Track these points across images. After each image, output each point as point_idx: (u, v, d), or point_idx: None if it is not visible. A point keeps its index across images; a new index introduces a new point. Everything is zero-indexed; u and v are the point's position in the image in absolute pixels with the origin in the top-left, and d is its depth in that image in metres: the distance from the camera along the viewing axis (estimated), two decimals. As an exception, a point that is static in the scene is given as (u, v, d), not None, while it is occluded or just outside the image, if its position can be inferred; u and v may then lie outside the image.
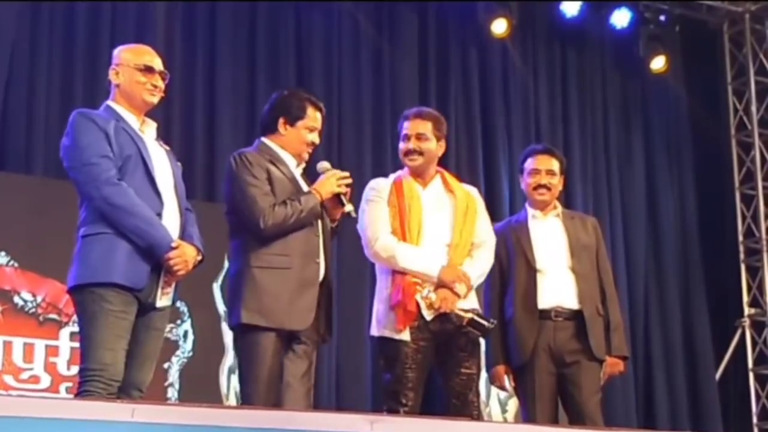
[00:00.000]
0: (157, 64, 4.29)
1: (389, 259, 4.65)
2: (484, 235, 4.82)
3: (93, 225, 4.03)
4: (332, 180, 4.47)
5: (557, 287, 5.02)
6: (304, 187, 4.53)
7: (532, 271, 5.04)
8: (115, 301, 3.95)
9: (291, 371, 4.40)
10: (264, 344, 4.32)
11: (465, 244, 4.73)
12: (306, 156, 4.60)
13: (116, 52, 4.32)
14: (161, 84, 4.28)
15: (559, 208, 5.22)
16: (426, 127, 4.82)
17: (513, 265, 5.08)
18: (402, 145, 4.84)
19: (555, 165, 5.18)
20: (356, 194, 4.84)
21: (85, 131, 4.09)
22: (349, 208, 4.51)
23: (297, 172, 4.58)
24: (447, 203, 4.79)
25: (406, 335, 4.58)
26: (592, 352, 4.97)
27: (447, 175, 4.91)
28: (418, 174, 4.82)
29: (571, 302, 5.01)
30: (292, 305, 4.36)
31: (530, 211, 5.20)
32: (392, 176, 4.89)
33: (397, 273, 4.65)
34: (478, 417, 4.74)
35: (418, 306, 4.59)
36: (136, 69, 4.22)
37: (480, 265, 4.77)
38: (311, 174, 4.64)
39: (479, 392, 4.78)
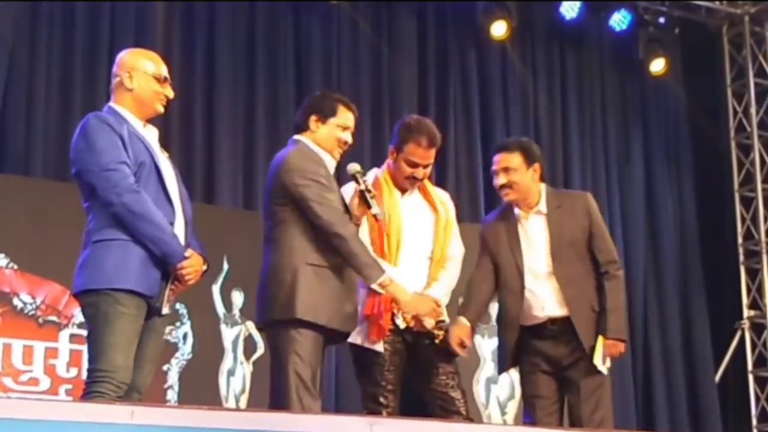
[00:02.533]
0: (167, 74, 4.28)
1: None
2: (456, 248, 4.83)
3: (106, 230, 4.00)
4: (427, 308, 4.51)
5: (544, 299, 4.82)
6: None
7: (519, 282, 4.85)
8: (129, 305, 3.95)
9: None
10: (315, 342, 4.31)
11: (443, 257, 4.74)
12: (338, 156, 4.58)
13: (128, 56, 4.27)
14: (171, 94, 4.28)
15: (543, 202, 4.90)
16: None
17: (504, 271, 4.90)
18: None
19: (511, 160, 4.85)
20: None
21: (101, 135, 4.04)
22: (375, 210, 4.48)
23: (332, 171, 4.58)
24: (427, 214, 4.77)
25: (379, 347, 4.59)
26: (587, 355, 4.78)
27: (425, 181, 4.85)
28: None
29: (559, 310, 4.81)
30: (341, 308, 4.39)
31: (516, 210, 4.95)
32: (370, 175, 4.79)
33: None
34: (466, 412, 4.68)
35: (392, 316, 4.59)
36: (154, 78, 4.20)
37: (451, 280, 4.77)
38: (341, 176, 4.63)
39: (463, 389, 4.70)
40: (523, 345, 4.87)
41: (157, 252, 4.00)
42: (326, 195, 4.38)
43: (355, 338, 4.63)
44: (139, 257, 3.98)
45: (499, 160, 4.87)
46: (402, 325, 4.60)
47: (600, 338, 4.78)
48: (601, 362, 4.80)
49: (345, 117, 4.56)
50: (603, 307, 4.81)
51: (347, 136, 4.56)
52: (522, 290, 4.83)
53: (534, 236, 4.88)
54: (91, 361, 3.97)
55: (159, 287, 4.04)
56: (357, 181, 4.52)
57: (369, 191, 4.49)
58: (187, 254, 4.06)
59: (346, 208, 4.47)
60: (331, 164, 4.54)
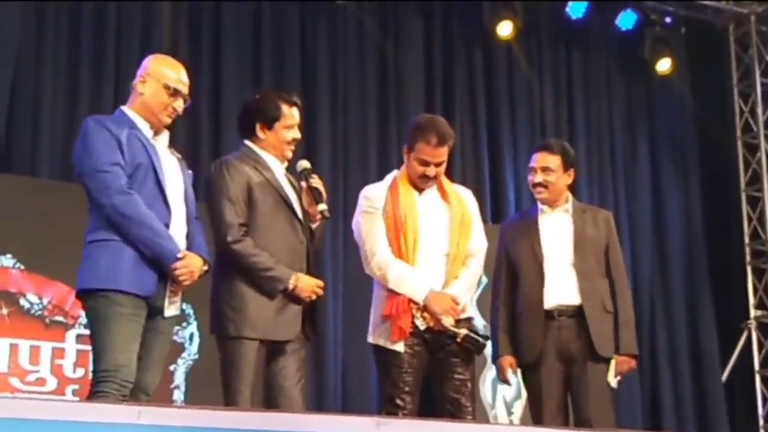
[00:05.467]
0: (185, 87, 4.27)
1: (382, 277, 4.65)
2: (477, 243, 4.81)
3: (100, 231, 4.05)
4: (312, 287, 4.42)
5: (559, 285, 4.96)
6: (287, 189, 4.52)
7: (539, 267, 4.99)
8: (126, 305, 3.99)
9: (282, 374, 4.43)
10: (249, 355, 4.35)
11: (461, 254, 4.72)
12: (289, 154, 4.59)
13: (151, 61, 4.30)
14: (181, 108, 4.28)
15: (570, 203, 5.12)
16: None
17: (521, 260, 5.04)
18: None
19: (552, 161, 5.05)
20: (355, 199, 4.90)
21: (97, 138, 4.09)
22: (322, 207, 4.48)
23: (281, 173, 4.57)
24: (443, 211, 4.77)
25: (400, 347, 4.59)
26: (597, 352, 4.91)
27: (442, 178, 4.86)
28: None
29: (573, 299, 4.94)
30: (278, 315, 4.37)
31: (539, 206, 5.14)
32: (388, 178, 4.84)
33: None
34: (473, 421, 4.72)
35: (412, 317, 4.59)
36: (164, 89, 4.21)
37: (473, 277, 4.77)
38: (293, 172, 4.64)
39: (474, 397, 4.74)
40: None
41: (149, 254, 4.03)
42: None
43: (377, 339, 4.66)
44: (132, 258, 4.02)
45: (540, 158, 5.08)
46: (422, 326, 4.60)
47: (614, 357, 4.94)
48: (613, 378, 4.94)
49: (290, 116, 4.55)
50: (615, 319, 4.97)
51: (295, 134, 4.57)
52: (542, 278, 4.96)
53: (557, 229, 5.05)
54: (94, 362, 4.03)
55: (155, 287, 4.06)
56: (305, 179, 4.52)
57: (316, 188, 4.49)
58: (179, 255, 4.07)
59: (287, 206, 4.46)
60: (276, 166, 4.53)
